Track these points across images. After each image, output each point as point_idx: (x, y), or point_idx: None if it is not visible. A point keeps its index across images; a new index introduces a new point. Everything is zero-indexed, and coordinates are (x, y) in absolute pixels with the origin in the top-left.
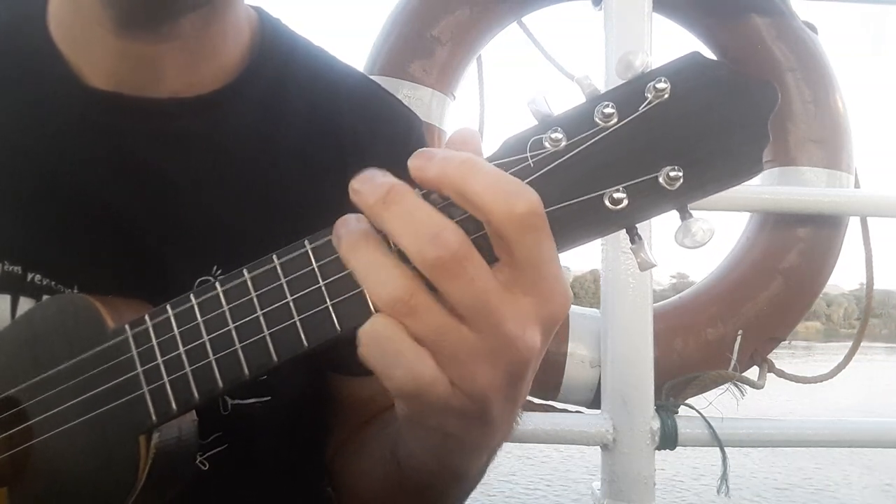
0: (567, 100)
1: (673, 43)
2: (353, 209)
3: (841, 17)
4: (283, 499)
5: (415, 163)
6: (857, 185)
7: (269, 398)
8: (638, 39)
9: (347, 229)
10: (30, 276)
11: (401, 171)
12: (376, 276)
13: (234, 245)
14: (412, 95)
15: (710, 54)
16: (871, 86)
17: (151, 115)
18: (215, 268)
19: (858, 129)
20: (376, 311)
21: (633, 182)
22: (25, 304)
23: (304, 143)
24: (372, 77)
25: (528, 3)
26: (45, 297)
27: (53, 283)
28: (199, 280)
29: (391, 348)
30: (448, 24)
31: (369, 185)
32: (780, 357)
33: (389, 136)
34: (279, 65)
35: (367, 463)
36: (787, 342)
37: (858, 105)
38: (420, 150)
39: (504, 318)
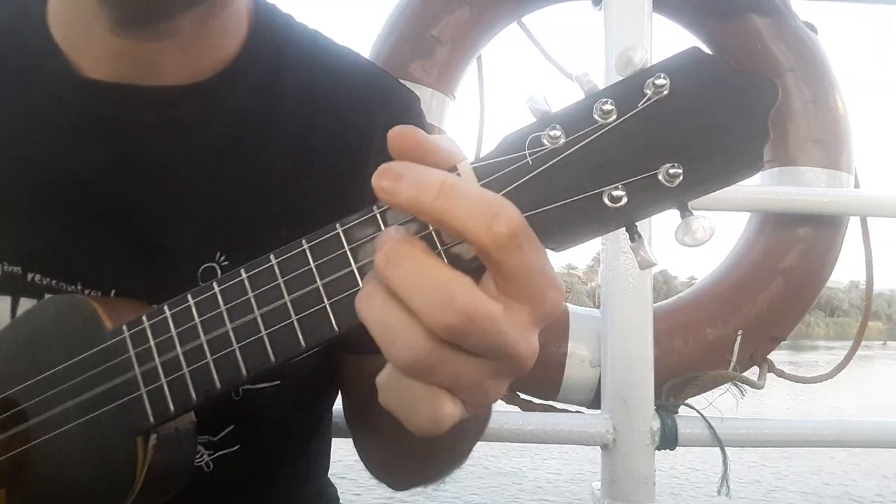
0: (567, 99)
1: (673, 43)
2: (350, 193)
3: (841, 17)
4: (285, 499)
5: (382, 184)
6: (857, 185)
7: (278, 382)
8: (638, 39)
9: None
10: (30, 276)
11: None
12: (393, 337)
13: (237, 230)
14: None
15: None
16: (871, 86)
17: (148, 104)
18: (219, 254)
19: (858, 129)
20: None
21: (632, 179)
22: (26, 304)
23: (303, 126)
24: None
25: (528, 3)
26: (46, 297)
27: (54, 281)
28: (202, 267)
29: (411, 397)
30: (448, 24)
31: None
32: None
33: (388, 117)
34: (275, 49)
35: (370, 433)
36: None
37: (858, 105)
38: (385, 166)
39: (515, 342)
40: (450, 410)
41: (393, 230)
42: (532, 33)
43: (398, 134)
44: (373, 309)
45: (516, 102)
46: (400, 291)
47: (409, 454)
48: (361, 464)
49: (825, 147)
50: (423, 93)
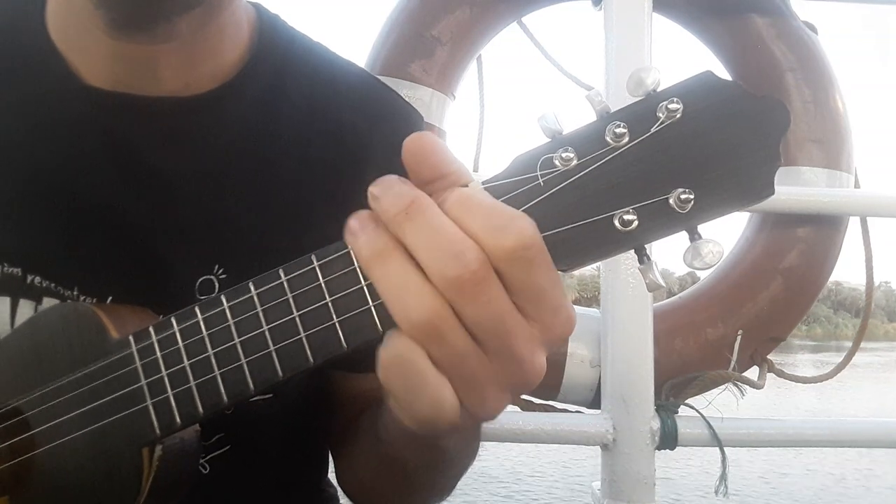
0: (566, 99)
1: (673, 43)
2: (350, 207)
3: (841, 17)
4: (284, 499)
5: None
6: (857, 185)
7: (270, 396)
8: (638, 39)
9: (368, 237)
10: (29, 279)
11: (400, 167)
12: (405, 296)
13: (235, 243)
14: (412, 95)
15: (710, 56)
16: (871, 86)
17: (151, 114)
18: (216, 266)
19: (858, 129)
20: (384, 328)
21: (643, 204)
22: (25, 306)
23: (304, 140)
24: None
25: (528, 3)
26: (45, 299)
27: (53, 284)
28: (200, 279)
29: (415, 374)
30: (448, 24)
31: (390, 193)
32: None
33: (389, 132)
34: (278, 61)
35: (358, 447)
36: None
37: (858, 105)
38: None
39: (516, 340)
40: (449, 399)
41: (401, 182)
42: (532, 33)
43: (413, 147)
44: (386, 265)
45: (516, 102)
46: (413, 243)
47: (396, 471)
48: None
49: (825, 147)
50: (423, 93)
